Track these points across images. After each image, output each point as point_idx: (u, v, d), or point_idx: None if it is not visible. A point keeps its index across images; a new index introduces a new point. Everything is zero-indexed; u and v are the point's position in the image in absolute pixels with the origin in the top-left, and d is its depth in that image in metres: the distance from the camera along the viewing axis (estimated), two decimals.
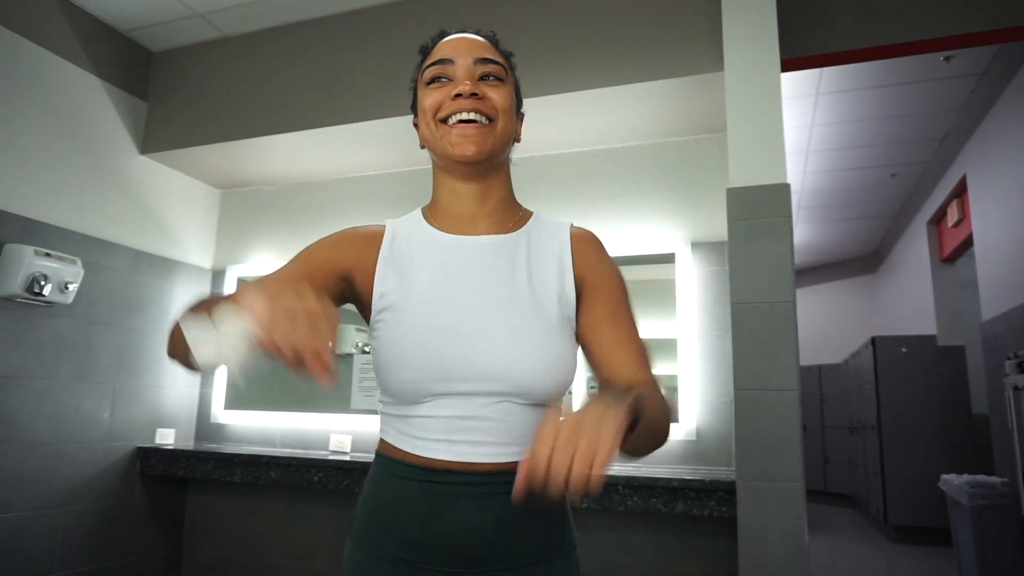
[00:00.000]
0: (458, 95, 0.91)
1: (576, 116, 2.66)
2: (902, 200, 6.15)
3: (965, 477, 3.61)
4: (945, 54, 3.67)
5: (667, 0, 2.46)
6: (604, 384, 0.92)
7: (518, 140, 1.00)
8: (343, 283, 0.95)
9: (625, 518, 2.50)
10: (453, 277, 0.92)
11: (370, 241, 0.97)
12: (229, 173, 3.37)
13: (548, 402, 0.90)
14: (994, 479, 3.53)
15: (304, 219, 3.39)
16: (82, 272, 2.70)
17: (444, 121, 0.92)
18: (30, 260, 2.47)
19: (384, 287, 0.93)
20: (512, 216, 1.00)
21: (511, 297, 0.91)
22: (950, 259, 5.56)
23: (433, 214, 1.00)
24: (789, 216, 1.97)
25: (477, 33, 0.99)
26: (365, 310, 0.96)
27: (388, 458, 0.93)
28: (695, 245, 2.70)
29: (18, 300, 2.51)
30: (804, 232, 7.04)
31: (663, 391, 0.91)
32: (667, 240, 2.73)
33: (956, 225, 5.04)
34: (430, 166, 1.01)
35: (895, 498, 5.34)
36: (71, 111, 2.81)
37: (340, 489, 2.65)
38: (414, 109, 1.00)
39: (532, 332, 0.89)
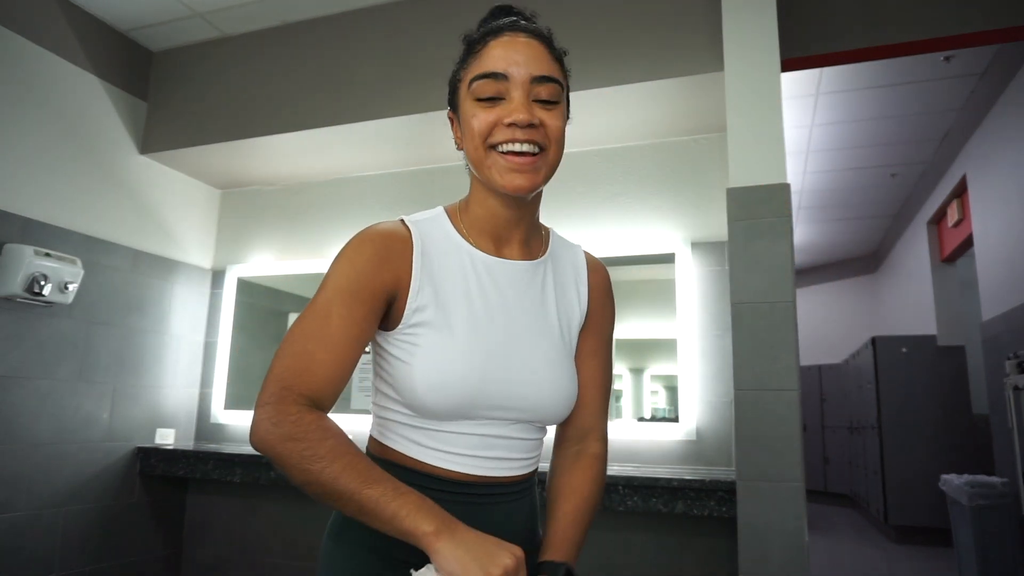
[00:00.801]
0: (515, 123, 0.84)
1: (576, 116, 2.64)
2: (902, 200, 6.15)
3: (965, 477, 3.61)
4: (945, 54, 3.68)
5: (667, 0, 2.46)
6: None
7: None
8: (388, 301, 0.88)
9: (625, 518, 2.50)
10: (493, 301, 0.90)
11: (402, 251, 0.88)
12: (229, 173, 3.37)
13: (553, 423, 0.97)
14: (994, 479, 3.53)
15: (304, 219, 3.39)
16: (82, 272, 2.70)
17: (494, 147, 0.86)
18: (30, 260, 2.47)
19: (419, 301, 0.87)
20: (539, 240, 0.99)
21: (543, 327, 0.93)
22: (950, 259, 5.56)
23: (465, 225, 0.94)
24: (789, 216, 1.97)
25: (534, 33, 0.90)
26: (390, 319, 0.89)
27: (391, 463, 0.90)
28: (695, 245, 2.70)
29: (18, 300, 2.51)
30: (804, 232, 7.04)
31: (601, 446, 1.00)
32: (667, 240, 2.73)
33: (956, 225, 5.04)
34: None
35: (895, 498, 5.34)
36: (71, 111, 2.81)
37: None
38: (452, 104, 0.95)
39: (560, 365, 0.93)
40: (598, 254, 3.00)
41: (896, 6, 2.32)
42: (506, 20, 0.91)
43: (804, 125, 4.55)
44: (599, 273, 1.03)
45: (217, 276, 3.50)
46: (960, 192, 4.81)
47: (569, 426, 1.00)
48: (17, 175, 2.58)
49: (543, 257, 0.97)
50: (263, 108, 2.98)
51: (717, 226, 2.68)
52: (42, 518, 2.61)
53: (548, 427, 0.98)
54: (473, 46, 0.91)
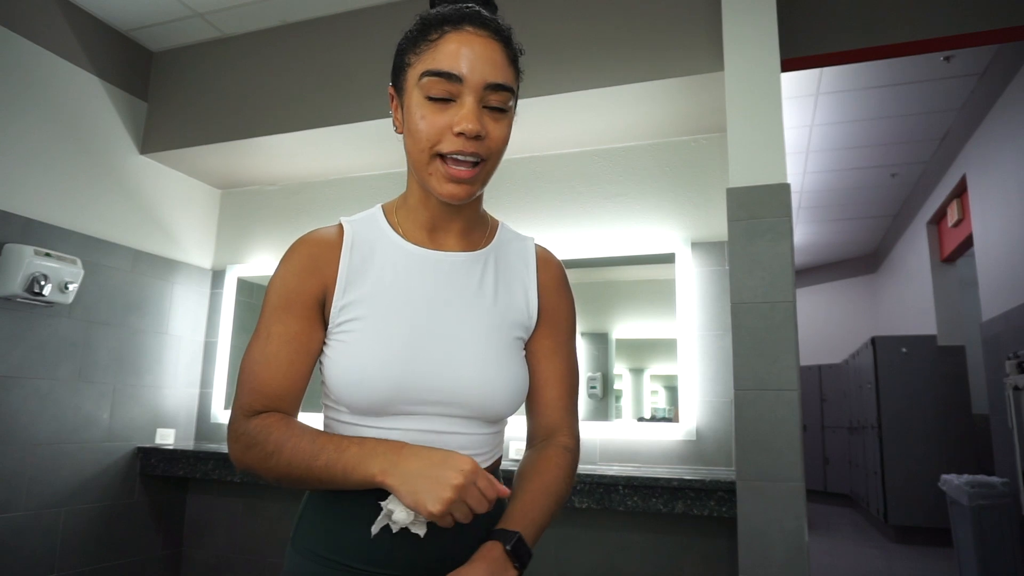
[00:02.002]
0: (463, 133, 0.81)
1: (576, 116, 2.66)
2: (902, 200, 6.15)
3: (965, 477, 3.61)
4: (945, 54, 3.68)
5: (667, 0, 2.46)
6: (527, 406, 0.98)
7: None
8: (322, 306, 0.89)
9: (625, 518, 2.50)
10: (422, 294, 0.88)
11: (329, 255, 0.89)
12: (229, 173, 3.37)
13: (503, 420, 0.92)
14: (994, 479, 3.53)
15: (304, 219, 3.39)
16: (82, 272, 2.70)
17: (440, 155, 0.84)
18: (30, 260, 2.47)
19: (345, 300, 0.87)
20: (481, 231, 0.96)
21: (477, 319, 0.89)
22: (950, 259, 5.56)
23: (399, 218, 0.93)
24: (789, 216, 1.97)
25: (495, 30, 0.85)
26: (326, 321, 0.89)
27: None
28: (695, 245, 2.70)
29: (18, 300, 2.51)
30: (804, 232, 7.05)
31: (570, 441, 0.96)
32: (667, 240, 2.73)
33: (956, 225, 5.05)
34: None
35: (895, 498, 5.34)
36: (71, 111, 2.81)
37: None
38: (395, 81, 0.90)
39: (498, 358, 0.88)
40: (598, 254, 3.00)
41: (896, 6, 2.32)
42: (468, 8, 0.85)
43: (804, 125, 4.55)
44: (551, 268, 0.99)
45: (217, 276, 3.50)
46: (960, 192, 4.81)
47: (536, 427, 0.98)
48: (17, 175, 2.58)
49: (484, 249, 0.94)
50: (263, 108, 2.98)
51: (717, 226, 2.68)
52: (42, 518, 2.61)
53: (499, 422, 0.93)
54: (428, 29, 0.85)
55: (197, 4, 2.87)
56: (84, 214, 2.84)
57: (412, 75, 0.85)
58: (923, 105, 4.31)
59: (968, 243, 4.89)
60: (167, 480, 3.14)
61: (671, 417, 2.75)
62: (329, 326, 0.88)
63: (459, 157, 0.82)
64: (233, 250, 3.51)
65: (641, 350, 2.84)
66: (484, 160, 0.84)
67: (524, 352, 0.95)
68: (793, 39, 2.37)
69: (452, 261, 0.91)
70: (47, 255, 2.54)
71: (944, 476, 3.89)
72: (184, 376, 3.31)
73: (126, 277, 3.02)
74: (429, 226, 0.92)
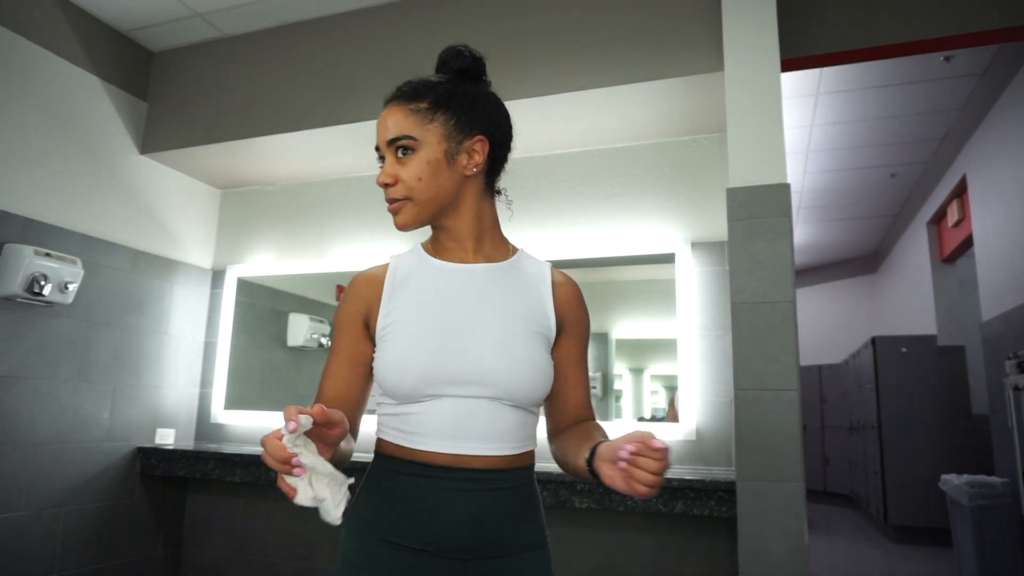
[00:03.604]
0: (382, 182, 1.04)
1: (576, 116, 2.66)
2: (902, 200, 6.15)
3: (965, 477, 3.61)
4: (945, 54, 3.68)
5: (667, 0, 2.46)
6: (556, 410, 1.13)
7: (478, 168, 1.05)
8: (367, 324, 1.07)
9: (625, 518, 2.50)
10: (451, 296, 1.04)
11: (374, 283, 1.08)
12: (229, 173, 3.37)
13: (528, 406, 1.03)
14: (994, 479, 3.53)
15: (304, 219, 3.39)
16: (82, 272, 2.70)
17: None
18: (30, 260, 2.47)
19: (389, 309, 1.05)
20: (503, 251, 1.13)
21: (502, 314, 1.04)
22: (950, 259, 5.56)
23: (434, 248, 1.11)
24: (789, 216, 1.97)
25: (396, 96, 1.06)
26: (374, 336, 1.06)
27: (386, 455, 1.03)
28: (695, 245, 2.70)
29: (18, 300, 2.51)
30: (804, 232, 7.04)
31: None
32: (667, 240, 2.73)
33: (956, 225, 5.05)
34: None
35: (895, 498, 5.34)
36: (71, 111, 2.81)
37: None
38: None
39: (520, 345, 1.02)
40: (598, 254, 3.00)
41: (896, 6, 2.32)
42: (390, 93, 1.08)
43: (804, 125, 4.55)
44: (568, 286, 1.14)
45: (217, 276, 3.50)
46: (960, 192, 4.81)
47: (561, 423, 1.13)
48: (17, 175, 2.58)
49: (504, 263, 1.11)
50: (263, 108, 2.98)
51: (717, 226, 2.68)
52: (42, 518, 2.61)
53: (531, 409, 1.05)
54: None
55: (197, 4, 2.87)
56: (84, 214, 2.84)
57: None
58: (923, 105, 4.31)
59: (968, 243, 4.89)
60: (167, 480, 3.14)
61: (665, 417, 2.75)
62: (377, 335, 1.05)
63: (388, 201, 1.05)
64: (233, 250, 3.50)
65: (641, 350, 2.84)
66: (408, 197, 1.03)
67: (549, 350, 1.08)
68: (793, 39, 2.37)
69: (475, 270, 1.08)
70: (47, 255, 2.54)
71: (944, 476, 3.89)
72: (184, 376, 3.31)
73: (126, 277, 3.02)
74: (454, 249, 1.10)
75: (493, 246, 1.11)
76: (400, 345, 1.00)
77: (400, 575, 0.96)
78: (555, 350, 1.10)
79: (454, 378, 0.98)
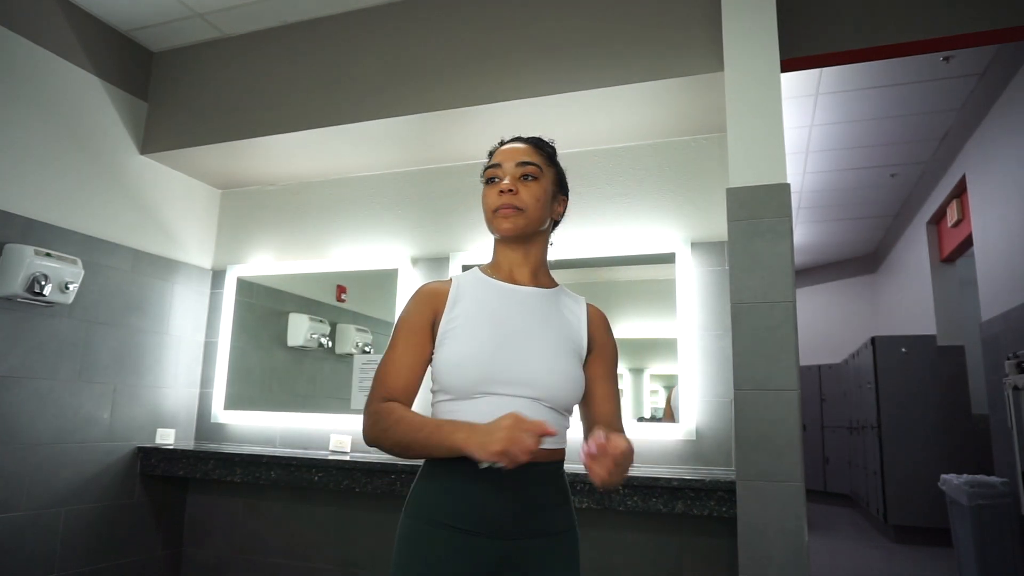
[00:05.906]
0: (501, 191, 1.26)
1: (576, 116, 2.66)
2: (902, 200, 6.15)
3: (965, 477, 3.61)
4: (945, 54, 3.68)
5: (667, 0, 2.46)
6: (589, 418, 1.31)
7: (556, 219, 1.35)
8: (432, 327, 1.26)
9: (625, 518, 2.50)
10: (505, 310, 1.26)
11: (440, 294, 1.28)
12: (229, 173, 3.37)
13: (562, 408, 1.23)
14: (994, 479, 3.53)
15: (304, 219, 3.39)
16: (82, 272, 2.70)
17: (495, 211, 1.27)
18: (30, 260, 2.48)
19: (451, 315, 1.25)
20: (549, 281, 1.37)
21: (547, 329, 1.26)
22: (950, 259, 5.56)
23: (492, 270, 1.34)
24: (789, 216, 1.97)
25: (523, 140, 1.34)
26: (435, 337, 1.26)
27: None
28: (695, 245, 2.70)
29: (18, 300, 2.52)
30: (804, 232, 7.05)
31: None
32: (667, 240, 2.73)
33: (956, 225, 5.05)
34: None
35: (895, 498, 5.34)
36: (71, 111, 2.81)
37: (340, 489, 2.65)
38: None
39: (561, 356, 1.24)
40: (598, 254, 3.01)
41: (896, 6, 2.32)
42: (515, 136, 1.39)
43: (804, 125, 4.56)
44: (598, 317, 1.37)
45: (217, 276, 3.50)
46: (960, 192, 4.81)
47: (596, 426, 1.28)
48: (17, 175, 2.58)
49: (550, 290, 1.34)
50: (263, 108, 2.98)
51: (717, 226, 2.68)
52: (42, 518, 2.61)
53: (564, 411, 1.24)
54: (490, 154, 1.36)
55: (197, 4, 2.87)
56: (84, 214, 2.84)
57: (485, 182, 1.33)
58: (923, 105, 4.31)
59: (968, 243, 4.89)
60: (167, 480, 3.14)
61: (661, 417, 2.75)
62: (438, 337, 1.24)
63: (500, 207, 1.27)
64: (233, 250, 3.51)
65: (641, 350, 2.84)
66: (522, 210, 1.26)
67: (581, 365, 1.28)
68: (793, 39, 2.37)
69: (526, 292, 1.31)
70: (47, 255, 2.54)
71: (944, 476, 3.89)
72: (184, 376, 3.31)
73: (126, 277, 3.02)
74: (507, 271, 1.33)
75: (544, 276, 1.35)
76: (460, 347, 1.20)
77: (448, 550, 1.13)
78: (586, 367, 1.30)
79: (505, 379, 1.17)
